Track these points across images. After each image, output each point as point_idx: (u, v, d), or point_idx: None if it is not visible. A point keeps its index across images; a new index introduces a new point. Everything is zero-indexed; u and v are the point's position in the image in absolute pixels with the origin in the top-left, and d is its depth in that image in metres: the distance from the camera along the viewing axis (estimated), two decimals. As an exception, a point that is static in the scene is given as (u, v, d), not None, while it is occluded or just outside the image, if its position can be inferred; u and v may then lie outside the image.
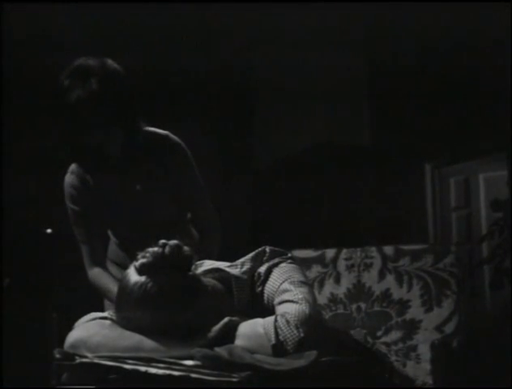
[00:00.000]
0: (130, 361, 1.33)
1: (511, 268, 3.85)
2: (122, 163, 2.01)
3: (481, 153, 4.52)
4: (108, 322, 1.47)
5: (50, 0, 3.89)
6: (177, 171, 2.08)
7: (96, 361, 1.35)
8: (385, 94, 4.90)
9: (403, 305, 2.24)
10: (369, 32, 4.70)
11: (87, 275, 2.08)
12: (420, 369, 2.15)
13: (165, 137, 2.08)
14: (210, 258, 1.65)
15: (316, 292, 2.28)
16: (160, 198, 2.08)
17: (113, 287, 1.84)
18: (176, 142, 2.10)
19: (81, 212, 2.07)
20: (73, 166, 2.08)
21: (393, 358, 2.19)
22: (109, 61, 1.93)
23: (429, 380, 2.10)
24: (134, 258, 1.45)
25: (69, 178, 2.08)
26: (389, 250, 2.32)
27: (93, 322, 1.49)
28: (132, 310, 1.40)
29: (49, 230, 4.36)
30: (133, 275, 1.42)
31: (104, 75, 1.88)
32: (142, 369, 1.29)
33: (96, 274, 2.05)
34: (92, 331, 1.44)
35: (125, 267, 1.50)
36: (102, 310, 1.58)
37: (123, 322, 1.43)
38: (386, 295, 2.26)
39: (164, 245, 1.44)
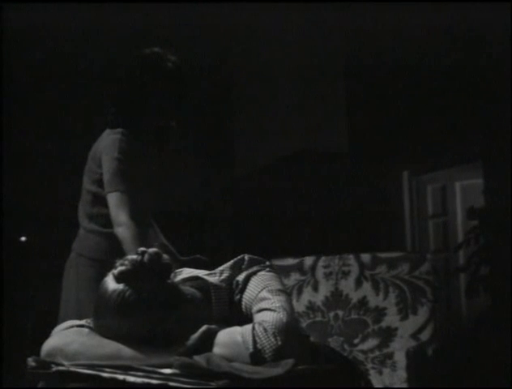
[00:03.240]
0: (108, 370, 1.32)
1: (487, 276, 3.89)
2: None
3: (458, 161, 4.56)
4: (85, 330, 1.46)
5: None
6: None
7: (73, 369, 1.35)
8: (362, 101, 4.94)
9: (380, 312, 2.26)
10: (347, 40, 4.74)
11: (118, 223, 2.23)
12: (395, 376, 2.17)
13: None
14: None
15: (294, 300, 2.30)
16: None
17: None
18: None
19: (127, 166, 2.32)
20: (122, 129, 2.36)
21: (369, 366, 2.21)
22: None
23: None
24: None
25: (122, 137, 2.35)
26: (366, 257, 2.34)
27: (70, 330, 1.48)
28: (110, 318, 1.40)
29: (23, 238, 4.32)
30: (111, 283, 1.42)
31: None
32: (120, 377, 1.29)
33: (131, 226, 2.21)
34: (69, 339, 1.43)
35: None
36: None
37: (101, 330, 1.42)
38: (362, 303, 2.28)
39: (143, 253, 1.44)
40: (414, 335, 2.21)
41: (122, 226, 2.22)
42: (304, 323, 2.29)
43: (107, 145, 2.35)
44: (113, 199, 2.26)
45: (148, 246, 1.50)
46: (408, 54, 4.40)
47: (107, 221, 2.31)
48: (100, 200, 2.38)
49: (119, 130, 2.37)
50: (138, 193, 2.34)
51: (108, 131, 2.41)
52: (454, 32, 4.10)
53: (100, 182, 2.36)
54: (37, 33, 4.16)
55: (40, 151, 4.46)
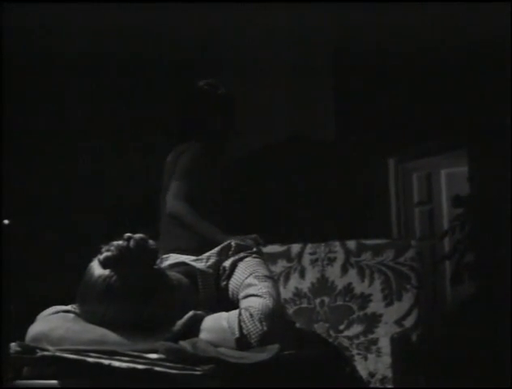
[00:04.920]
0: (93, 355, 1.32)
1: (472, 264, 3.92)
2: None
3: (443, 149, 4.57)
4: (71, 315, 1.46)
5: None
6: None
7: (58, 354, 1.34)
8: (350, 89, 4.94)
9: (365, 299, 2.27)
10: (336, 29, 4.73)
11: (172, 206, 2.78)
12: (380, 362, 2.19)
13: None
14: None
15: (281, 287, 2.31)
16: None
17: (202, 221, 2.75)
18: None
19: (200, 165, 2.86)
20: (202, 143, 2.93)
21: (354, 352, 2.22)
22: None
23: (389, 373, 2.14)
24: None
25: (202, 145, 2.92)
26: (351, 244, 2.35)
27: (56, 315, 1.47)
28: (96, 304, 1.39)
29: (6, 221, 4.29)
30: (97, 269, 1.42)
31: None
32: (106, 362, 1.29)
33: (184, 205, 2.76)
34: (55, 324, 1.43)
35: None
36: (63, 303, 1.58)
37: (87, 315, 1.42)
38: (348, 289, 2.29)
39: (129, 239, 1.43)
40: (398, 322, 2.22)
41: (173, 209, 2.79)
42: (290, 310, 2.29)
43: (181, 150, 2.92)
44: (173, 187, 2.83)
45: None
46: (395, 43, 4.40)
47: None
48: None
49: (200, 144, 2.93)
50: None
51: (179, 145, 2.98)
52: (441, 21, 4.10)
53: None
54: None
55: (24, 132, 4.43)
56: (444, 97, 4.32)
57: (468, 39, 3.90)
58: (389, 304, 2.25)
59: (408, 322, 2.23)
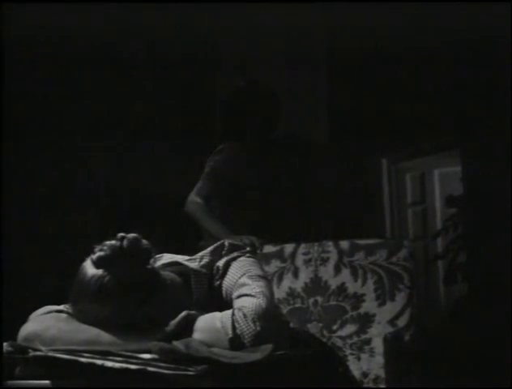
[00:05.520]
0: (86, 355, 1.32)
1: (465, 264, 3.93)
2: None
3: (436, 149, 4.58)
4: (63, 315, 1.46)
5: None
6: None
7: (51, 354, 1.34)
8: (341, 89, 4.94)
9: (358, 299, 2.28)
10: (329, 28, 4.73)
11: (186, 204, 2.87)
12: (373, 362, 2.19)
13: None
14: None
15: (275, 287, 2.31)
16: None
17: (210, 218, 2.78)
18: None
19: (233, 166, 2.95)
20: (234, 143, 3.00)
21: (348, 352, 2.22)
22: None
23: (382, 373, 2.14)
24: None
25: (238, 145, 3.01)
26: (345, 244, 2.35)
27: (48, 315, 1.47)
28: (89, 304, 1.39)
29: None
30: (90, 268, 1.41)
31: None
32: (99, 362, 1.28)
33: (198, 202, 2.84)
34: (47, 324, 1.42)
35: None
36: (53, 303, 1.58)
37: (80, 315, 1.42)
38: (341, 289, 2.29)
39: (123, 238, 1.43)
40: (391, 321, 2.23)
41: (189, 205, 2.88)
42: (284, 310, 2.29)
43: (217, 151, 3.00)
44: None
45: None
46: (388, 43, 4.41)
47: None
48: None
49: (230, 143, 3.01)
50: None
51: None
52: (432, 21, 4.11)
53: None
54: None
55: (19, 132, 4.41)
56: (437, 97, 4.32)
57: (461, 38, 3.90)
58: (382, 304, 2.26)
59: (401, 322, 2.23)
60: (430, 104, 4.36)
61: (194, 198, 2.89)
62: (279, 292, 2.33)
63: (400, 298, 2.25)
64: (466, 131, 4.18)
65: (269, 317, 1.42)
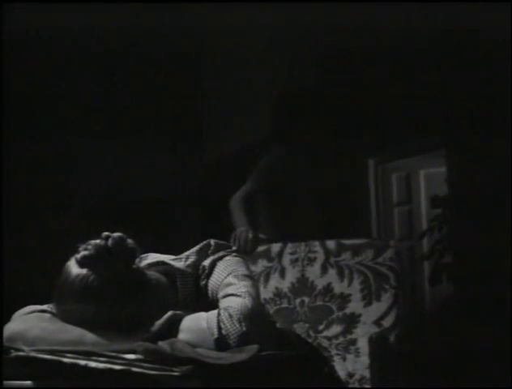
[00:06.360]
0: (69, 355, 1.30)
1: (450, 264, 3.94)
2: None
3: (422, 149, 4.59)
4: (47, 315, 1.44)
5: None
6: None
7: (33, 354, 1.32)
8: (328, 89, 4.94)
9: (344, 299, 2.27)
10: (317, 31, 4.73)
11: (235, 198, 2.97)
12: (359, 362, 2.19)
13: None
14: None
15: (262, 287, 2.30)
16: None
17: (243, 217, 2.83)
18: None
19: (271, 171, 3.08)
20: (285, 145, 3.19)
21: (333, 352, 2.22)
22: None
23: (368, 374, 2.14)
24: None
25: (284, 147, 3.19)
26: (331, 244, 2.34)
27: (31, 314, 1.45)
28: (73, 303, 1.38)
29: None
30: (74, 268, 1.40)
31: None
32: (82, 362, 1.27)
33: (237, 200, 2.95)
34: (30, 324, 1.41)
35: None
36: (38, 303, 1.56)
37: (64, 315, 1.40)
38: (327, 289, 2.29)
39: (107, 238, 1.42)
40: (377, 322, 2.23)
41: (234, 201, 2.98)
42: (271, 310, 2.28)
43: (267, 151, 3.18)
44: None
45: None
46: (374, 43, 4.41)
47: None
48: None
49: (275, 144, 3.19)
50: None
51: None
52: (419, 21, 4.11)
53: None
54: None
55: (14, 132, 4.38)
56: (423, 98, 4.33)
57: (449, 38, 3.91)
58: (368, 304, 2.26)
59: (387, 323, 2.23)
60: (416, 105, 4.37)
61: (236, 196, 3.00)
62: (266, 292, 2.32)
63: (386, 298, 2.24)
64: (451, 132, 4.20)
65: (255, 317, 1.41)
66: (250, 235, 2.50)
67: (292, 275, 2.33)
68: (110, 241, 1.41)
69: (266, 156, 3.19)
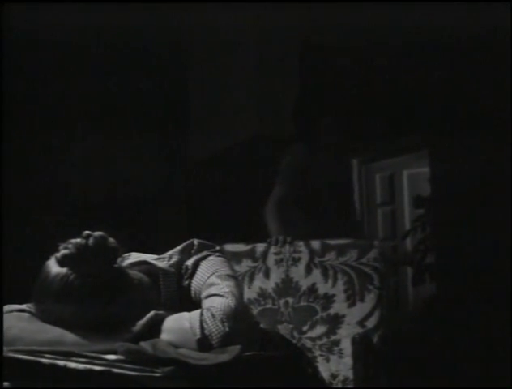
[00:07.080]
0: (48, 356, 1.28)
1: (433, 265, 3.95)
2: None
3: (405, 150, 4.61)
4: (26, 314, 1.41)
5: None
6: None
7: (11, 355, 1.30)
8: (312, 88, 4.94)
9: (328, 299, 2.26)
10: (300, 31, 4.74)
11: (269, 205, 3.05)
12: (342, 363, 2.18)
13: None
14: None
15: (246, 287, 2.28)
16: None
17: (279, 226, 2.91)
18: None
19: (297, 171, 3.14)
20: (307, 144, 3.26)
21: (317, 353, 2.21)
22: None
23: (351, 375, 2.13)
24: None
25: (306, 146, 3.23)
26: (316, 244, 2.33)
27: (9, 314, 1.43)
28: (52, 303, 1.35)
29: None
30: (54, 267, 1.37)
31: None
32: (61, 363, 1.25)
33: (274, 209, 3.02)
34: (8, 324, 1.38)
35: None
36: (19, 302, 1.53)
37: (43, 315, 1.38)
38: (312, 290, 2.27)
39: (88, 236, 1.40)
40: (361, 322, 2.22)
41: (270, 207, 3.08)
42: (255, 310, 2.27)
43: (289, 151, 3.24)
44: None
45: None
46: (360, 43, 4.41)
47: None
48: None
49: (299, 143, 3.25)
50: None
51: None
52: (403, 19, 4.12)
53: None
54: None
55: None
56: (406, 98, 4.34)
57: (435, 38, 3.92)
58: (351, 304, 2.25)
59: (370, 323, 2.22)
60: (400, 104, 4.38)
61: (268, 204, 3.07)
62: (250, 293, 2.30)
63: (370, 299, 2.24)
64: (434, 132, 4.21)
65: (238, 317, 1.40)
66: (288, 241, 2.50)
67: (276, 275, 2.32)
68: (91, 240, 1.39)
69: (287, 157, 3.21)
